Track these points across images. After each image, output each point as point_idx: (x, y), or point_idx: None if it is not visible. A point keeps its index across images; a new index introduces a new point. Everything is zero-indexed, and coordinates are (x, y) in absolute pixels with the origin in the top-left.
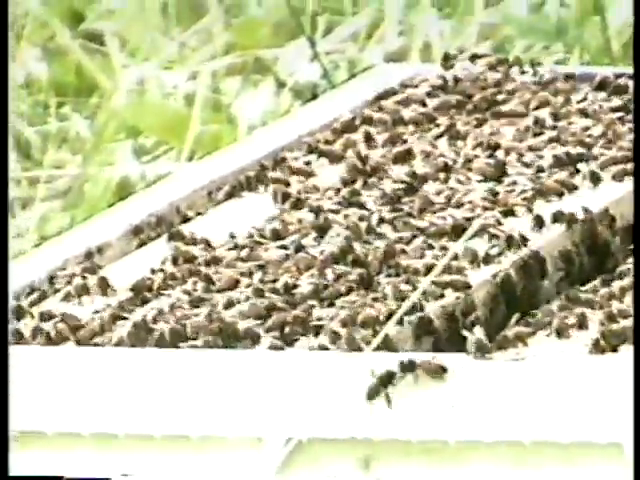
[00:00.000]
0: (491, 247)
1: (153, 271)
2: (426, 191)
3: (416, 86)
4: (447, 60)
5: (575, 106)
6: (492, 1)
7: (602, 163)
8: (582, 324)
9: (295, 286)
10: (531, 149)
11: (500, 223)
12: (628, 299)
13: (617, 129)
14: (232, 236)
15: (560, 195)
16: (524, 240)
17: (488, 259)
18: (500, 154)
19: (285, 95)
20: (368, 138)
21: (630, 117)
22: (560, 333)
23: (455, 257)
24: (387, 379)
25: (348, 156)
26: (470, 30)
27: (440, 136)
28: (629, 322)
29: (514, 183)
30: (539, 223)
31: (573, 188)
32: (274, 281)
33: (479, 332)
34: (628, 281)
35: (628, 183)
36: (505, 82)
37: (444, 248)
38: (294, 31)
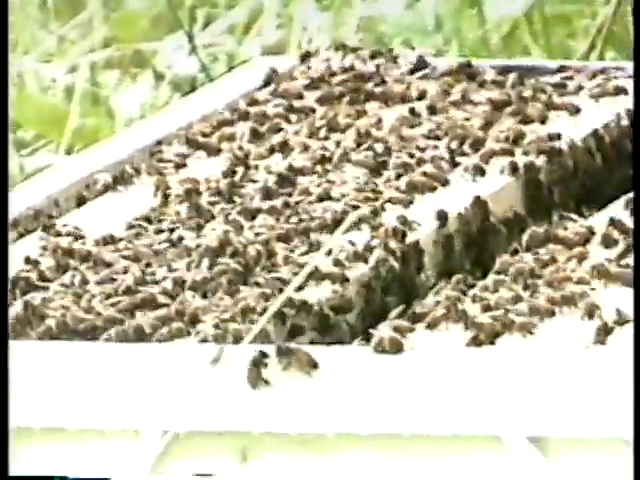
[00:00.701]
0: (370, 239)
1: (29, 263)
2: (304, 184)
3: (295, 78)
4: (307, 56)
5: (453, 98)
6: None
7: (482, 155)
8: (460, 317)
9: (174, 278)
10: (409, 140)
11: (377, 215)
12: (504, 291)
13: (494, 121)
14: (111, 228)
15: (433, 189)
16: (402, 233)
17: (365, 252)
18: (379, 146)
19: (164, 88)
20: (246, 131)
21: (510, 109)
22: (436, 326)
23: (329, 251)
24: (260, 360)
25: (226, 149)
26: (349, 23)
27: (319, 128)
28: (501, 313)
29: (395, 176)
30: (415, 218)
31: (446, 182)
32: (153, 273)
33: (356, 324)
34: (503, 276)
35: (506, 177)
36: (384, 74)
37: (322, 241)
38: (172, 24)
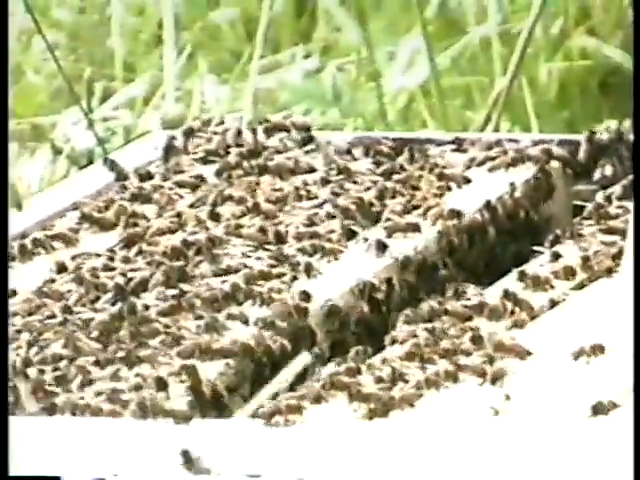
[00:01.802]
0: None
1: None
2: (195, 259)
3: (192, 152)
4: (190, 132)
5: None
6: (268, 67)
7: (386, 229)
8: (353, 390)
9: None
10: (303, 213)
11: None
12: (397, 365)
13: (388, 194)
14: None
15: (332, 260)
16: (304, 310)
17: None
18: (274, 222)
19: (61, 162)
20: (141, 202)
21: (404, 182)
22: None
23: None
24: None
25: (121, 224)
26: (246, 95)
27: (215, 203)
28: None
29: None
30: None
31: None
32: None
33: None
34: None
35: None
36: (277, 148)
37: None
38: (70, 98)
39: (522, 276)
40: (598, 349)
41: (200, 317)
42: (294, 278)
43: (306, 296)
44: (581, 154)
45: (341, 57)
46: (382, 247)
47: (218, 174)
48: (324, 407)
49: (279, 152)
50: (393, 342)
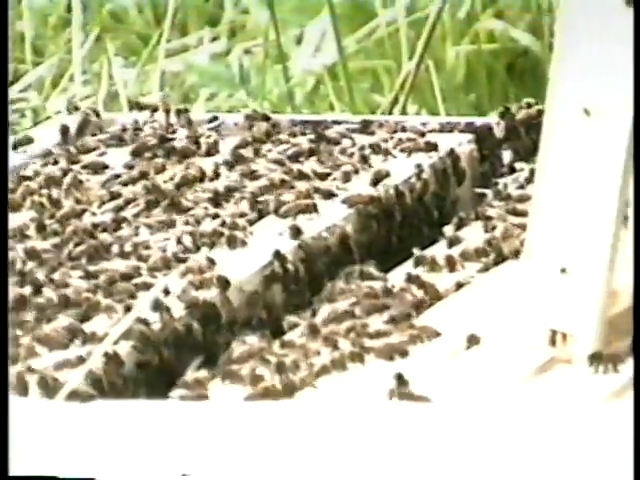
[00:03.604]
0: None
1: None
2: (101, 239)
3: (94, 135)
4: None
5: (251, 152)
6: (175, 50)
7: (288, 211)
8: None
9: None
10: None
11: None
12: (305, 345)
13: (293, 175)
14: None
15: (234, 245)
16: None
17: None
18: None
19: None
20: (49, 184)
21: (310, 164)
22: (231, 378)
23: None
24: None
25: (27, 205)
26: (154, 78)
27: (126, 183)
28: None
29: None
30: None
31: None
32: None
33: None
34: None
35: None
36: (184, 129)
37: (123, 300)
38: None
39: (427, 259)
40: (474, 340)
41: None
42: (211, 263)
43: (225, 282)
44: (488, 137)
45: (248, 40)
46: (297, 231)
47: (133, 155)
48: (229, 387)
49: (189, 136)
50: (295, 326)
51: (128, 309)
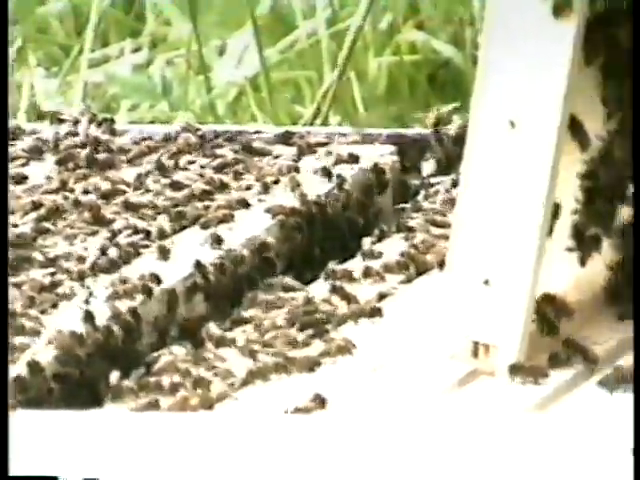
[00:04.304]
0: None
1: None
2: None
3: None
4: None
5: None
6: (97, 60)
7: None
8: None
9: None
10: (134, 207)
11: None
12: (227, 357)
13: (217, 186)
14: None
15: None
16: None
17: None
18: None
19: None
20: None
21: (233, 174)
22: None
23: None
24: None
25: None
26: (76, 89)
27: (48, 193)
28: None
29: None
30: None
31: (167, 253)
32: None
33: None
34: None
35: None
36: (106, 141)
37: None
38: None
39: (341, 272)
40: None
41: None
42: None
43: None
44: (410, 149)
45: (170, 51)
46: (218, 240)
47: (56, 165)
48: (149, 398)
49: (109, 148)
50: (216, 337)
51: (50, 319)
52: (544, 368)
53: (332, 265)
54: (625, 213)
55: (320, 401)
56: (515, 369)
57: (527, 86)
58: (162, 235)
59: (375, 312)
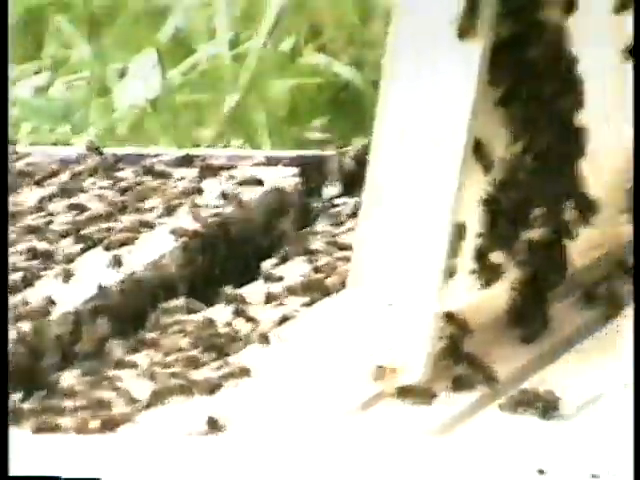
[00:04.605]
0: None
1: None
2: None
3: None
4: None
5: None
6: None
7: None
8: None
9: None
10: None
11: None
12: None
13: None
14: None
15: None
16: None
17: None
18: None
19: None
20: None
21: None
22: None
23: None
24: None
25: None
26: None
27: None
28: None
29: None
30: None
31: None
32: None
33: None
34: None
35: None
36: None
37: None
38: None
39: (250, 293)
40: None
41: None
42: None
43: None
44: (313, 171)
45: (71, 73)
46: (119, 263)
47: None
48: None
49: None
50: (112, 359)
51: None
52: (432, 390)
53: (232, 289)
54: (531, 235)
55: (214, 424)
56: (404, 391)
57: (432, 108)
58: (65, 257)
59: (275, 335)
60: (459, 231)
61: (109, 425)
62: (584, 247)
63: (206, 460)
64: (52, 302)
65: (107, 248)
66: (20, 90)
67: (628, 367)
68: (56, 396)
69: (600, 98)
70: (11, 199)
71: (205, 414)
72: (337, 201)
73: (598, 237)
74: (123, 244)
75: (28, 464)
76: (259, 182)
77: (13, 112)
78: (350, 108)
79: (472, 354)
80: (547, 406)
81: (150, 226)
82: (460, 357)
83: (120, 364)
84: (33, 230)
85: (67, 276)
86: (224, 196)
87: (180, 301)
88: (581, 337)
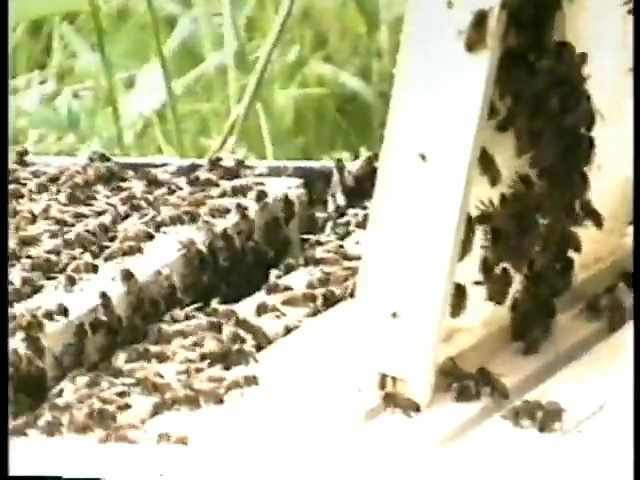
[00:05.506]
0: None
1: None
2: None
3: None
4: None
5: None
6: None
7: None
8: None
9: None
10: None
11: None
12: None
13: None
14: None
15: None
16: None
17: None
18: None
19: None
20: None
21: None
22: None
23: None
24: None
25: None
26: None
27: None
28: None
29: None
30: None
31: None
32: None
33: None
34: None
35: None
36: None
37: None
38: None
39: (255, 303)
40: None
41: None
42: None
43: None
44: (317, 182)
45: (77, 83)
46: (129, 276)
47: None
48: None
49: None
50: (116, 370)
51: None
52: (416, 403)
53: (236, 299)
54: (536, 246)
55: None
56: (388, 397)
57: (439, 120)
58: (68, 267)
59: (280, 345)
60: (465, 244)
61: (115, 437)
62: (588, 259)
63: (207, 464)
64: (55, 312)
65: (109, 258)
66: (26, 100)
67: (630, 379)
68: (57, 408)
69: (607, 106)
70: (14, 207)
71: (212, 423)
72: (344, 211)
73: (603, 248)
74: (126, 254)
75: (28, 464)
76: (264, 192)
77: (20, 121)
78: (356, 118)
79: (485, 370)
80: (548, 417)
81: (153, 236)
82: (466, 373)
83: (125, 374)
84: (34, 240)
85: (70, 285)
86: (229, 206)
87: (185, 311)
88: (585, 349)
